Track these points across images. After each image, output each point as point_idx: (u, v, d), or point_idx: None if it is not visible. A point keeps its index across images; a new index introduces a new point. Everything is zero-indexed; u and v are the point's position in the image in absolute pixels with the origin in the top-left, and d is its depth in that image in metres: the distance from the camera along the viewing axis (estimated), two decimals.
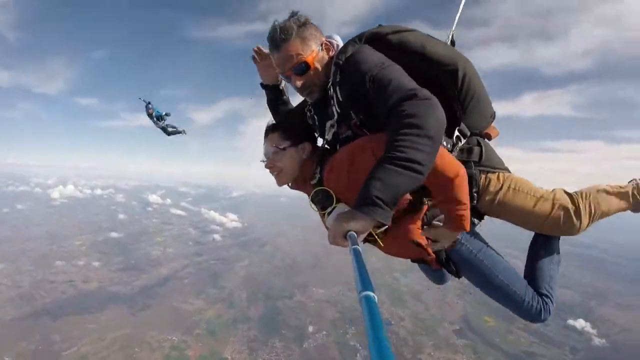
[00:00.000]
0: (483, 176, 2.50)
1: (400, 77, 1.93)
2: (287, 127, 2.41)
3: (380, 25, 2.30)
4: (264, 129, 2.46)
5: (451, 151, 2.25)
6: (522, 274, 2.79)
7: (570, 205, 2.53)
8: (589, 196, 2.60)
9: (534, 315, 2.62)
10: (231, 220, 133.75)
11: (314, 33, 2.24)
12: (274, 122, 2.57)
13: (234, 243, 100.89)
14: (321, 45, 2.27)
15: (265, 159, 2.36)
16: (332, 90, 2.16)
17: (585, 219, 2.53)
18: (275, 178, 2.37)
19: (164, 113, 15.54)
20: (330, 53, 2.30)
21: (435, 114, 1.68)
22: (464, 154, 2.41)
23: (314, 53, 2.21)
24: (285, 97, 2.91)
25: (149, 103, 15.12)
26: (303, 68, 2.21)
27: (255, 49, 2.67)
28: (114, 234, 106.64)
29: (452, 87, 2.25)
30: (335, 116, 2.19)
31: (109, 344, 52.26)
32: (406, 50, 2.21)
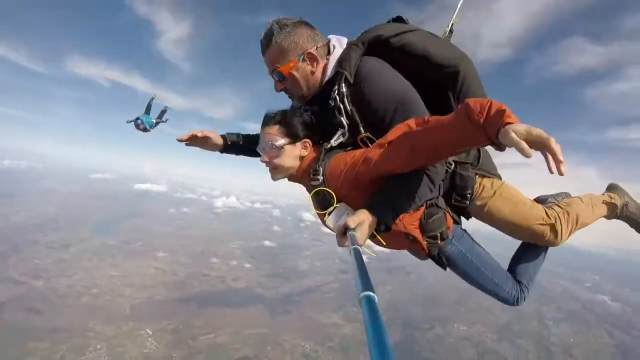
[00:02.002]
0: (478, 180, 2.76)
1: (420, 111, 2.22)
2: (289, 121, 2.41)
3: (380, 26, 2.44)
4: (263, 116, 2.53)
5: None
6: (506, 266, 3.16)
7: (551, 219, 2.85)
8: (569, 209, 2.94)
9: (511, 302, 3.06)
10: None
11: (297, 41, 2.35)
12: (275, 111, 2.51)
13: (380, 267, 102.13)
14: (302, 55, 2.36)
15: (261, 150, 2.46)
16: (337, 100, 2.29)
17: (564, 233, 2.88)
18: (270, 172, 2.46)
19: (155, 119, 15.06)
20: (315, 64, 2.41)
21: (443, 169, 2.20)
22: (462, 155, 2.64)
23: (291, 64, 2.36)
24: (241, 141, 3.07)
25: (137, 119, 14.41)
26: (280, 76, 2.42)
27: (178, 139, 2.88)
28: (267, 243, 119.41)
29: (452, 88, 2.40)
30: (346, 127, 2.33)
31: (244, 339, 56.73)
32: (408, 53, 2.35)
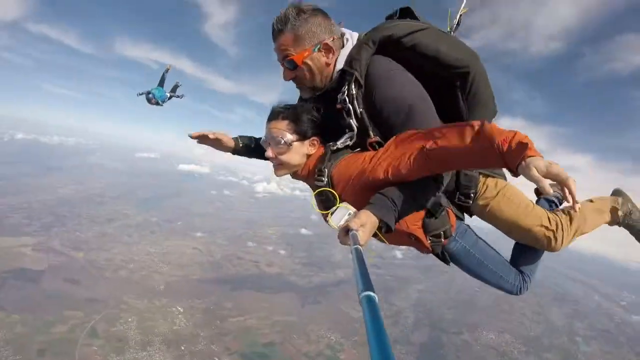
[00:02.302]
0: (482, 180, 2.78)
1: (430, 121, 2.21)
2: (298, 117, 2.39)
3: (391, 25, 2.35)
4: (271, 109, 2.50)
5: None
6: (508, 255, 3.21)
7: (551, 225, 2.82)
8: (570, 216, 2.91)
9: (514, 292, 3.09)
10: None
11: (313, 30, 2.27)
12: (284, 105, 2.50)
13: (414, 264, 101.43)
14: (319, 45, 2.30)
15: (266, 144, 2.42)
16: (347, 101, 2.26)
17: (565, 240, 2.86)
18: (274, 168, 2.46)
19: (169, 92, 13.95)
20: (330, 55, 2.35)
21: (449, 176, 2.21)
22: None
23: (305, 53, 2.28)
24: (253, 144, 3.04)
25: (149, 92, 13.37)
26: (291, 64, 2.32)
27: (189, 135, 2.88)
28: (304, 231, 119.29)
29: (461, 88, 2.42)
30: (355, 130, 2.32)
31: (273, 324, 57.76)
32: (419, 53, 2.31)
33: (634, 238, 3.34)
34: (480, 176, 2.76)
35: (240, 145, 3.01)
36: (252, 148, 3.05)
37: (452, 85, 2.43)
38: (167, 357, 45.54)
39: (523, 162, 1.53)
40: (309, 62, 2.30)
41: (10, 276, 53.55)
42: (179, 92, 14.50)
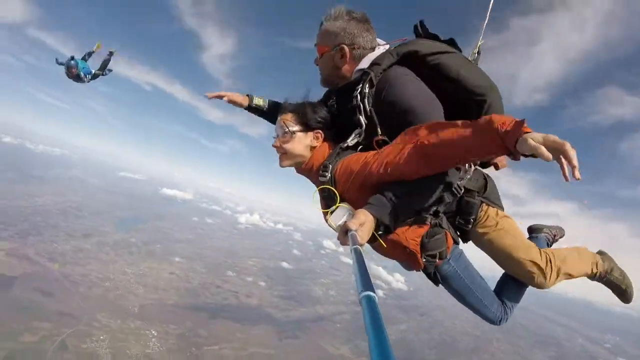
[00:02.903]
0: (484, 208, 2.88)
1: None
2: (303, 110, 2.56)
3: (418, 41, 2.51)
4: (281, 105, 2.76)
5: (461, 178, 2.53)
6: (493, 287, 3.33)
7: (541, 265, 2.93)
8: (560, 259, 3.03)
9: (495, 321, 3.22)
10: (397, 280, 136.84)
11: (338, 32, 2.53)
12: (291, 103, 2.68)
13: (395, 304, 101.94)
14: (337, 47, 2.54)
15: (274, 136, 2.60)
16: (358, 99, 2.39)
17: (551, 281, 2.98)
18: (279, 158, 2.57)
19: (97, 70, 11.43)
20: (343, 60, 2.56)
21: (453, 178, 2.18)
22: (471, 182, 2.74)
23: (325, 48, 2.58)
24: (266, 107, 3.40)
25: (72, 59, 10.81)
26: (316, 52, 2.68)
27: (205, 95, 3.38)
28: (285, 264, 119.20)
29: (475, 115, 2.43)
30: (364, 127, 2.44)
31: (248, 356, 56.74)
32: (440, 74, 2.41)
33: (612, 293, 3.50)
34: (482, 204, 2.88)
35: (253, 105, 3.37)
36: (263, 110, 3.40)
37: (467, 109, 2.50)
38: None
39: (521, 138, 1.58)
40: (326, 58, 2.61)
41: None
42: (109, 67, 11.90)
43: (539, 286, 3.04)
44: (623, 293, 3.43)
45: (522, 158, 1.68)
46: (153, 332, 55.33)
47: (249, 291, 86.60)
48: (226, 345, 57.88)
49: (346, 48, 2.51)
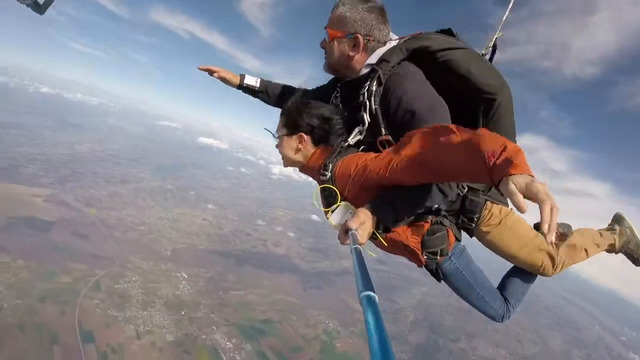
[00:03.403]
0: (488, 206, 2.81)
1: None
2: (291, 113, 2.48)
3: (429, 36, 2.41)
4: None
5: None
6: (497, 283, 3.28)
7: (549, 254, 2.94)
8: (570, 243, 3.04)
9: (496, 318, 3.17)
10: None
11: (355, 20, 2.39)
12: (290, 104, 2.58)
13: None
14: (351, 35, 2.41)
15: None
16: (365, 96, 2.34)
17: (559, 267, 2.98)
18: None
19: None
20: (355, 50, 2.45)
21: (455, 187, 2.20)
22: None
23: (338, 34, 2.44)
24: (260, 89, 3.37)
25: None
26: (325, 36, 2.52)
27: (199, 68, 3.37)
28: (314, 217, 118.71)
29: (484, 113, 2.45)
30: (366, 125, 2.39)
31: (273, 302, 58.46)
32: (450, 70, 2.34)
33: (631, 263, 3.47)
34: (487, 202, 2.79)
35: (244, 84, 3.33)
36: (255, 90, 3.36)
37: (476, 107, 2.44)
38: (166, 319, 45.96)
39: (504, 178, 1.45)
40: (336, 44, 2.45)
41: (20, 223, 54.22)
42: None
43: (546, 275, 3.02)
44: (635, 261, 3.43)
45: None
46: (184, 274, 57.91)
47: (277, 240, 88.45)
48: (252, 291, 59.86)
49: (361, 38, 2.39)
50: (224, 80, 3.33)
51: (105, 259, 53.85)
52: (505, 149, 1.51)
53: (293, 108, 2.48)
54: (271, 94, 3.39)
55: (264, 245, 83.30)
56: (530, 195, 1.35)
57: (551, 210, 1.28)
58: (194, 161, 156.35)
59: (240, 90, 3.41)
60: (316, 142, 2.45)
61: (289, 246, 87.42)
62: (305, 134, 2.42)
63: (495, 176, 1.50)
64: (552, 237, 1.27)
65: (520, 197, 1.34)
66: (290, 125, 2.45)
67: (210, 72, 3.32)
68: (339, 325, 56.75)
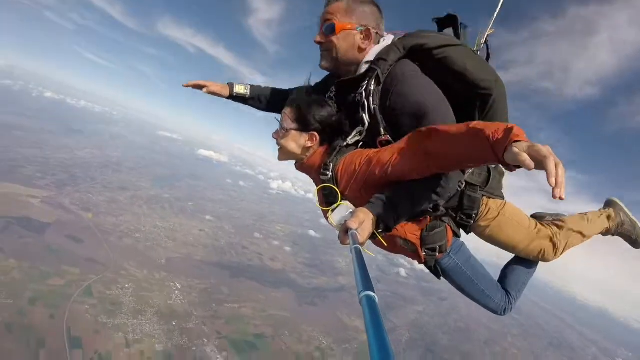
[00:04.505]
0: (485, 201, 2.81)
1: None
2: (304, 108, 2.41)
3: (426, 34, 2.39)
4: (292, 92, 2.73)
5: (463, 171, 2.42)
6: (497, 276, 3.27)
7: (548, 241, 2.99)
8: (566, 227, 3.07)
9: (498, 311, 3.14)
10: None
11: (365, 11, 2.39)
12: (298, 95, 2.54)
13: (416, 285, 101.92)
14: (362, 27, 2.37)
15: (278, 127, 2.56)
16: (363, 95, 2.30)
17: (559, 252, 3.03)
18: (278, 151, 2.55)
19: None
20: (366, 42, 2.40)
21: (456, 180, 2.18)
22: (474, 176, 2.67)
23: (348, 26, 2.35)
24: (251, 96, 3.29)
25: None
26: (329, 29, 2.38)
27: (183, 85, 3.18)
28: (312, 233, 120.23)
29: (480, 109, 2.43)
30: (366, 125, 2.35)
31: (267, 317, 57.52)
32: (446, 67, 2.32)
33: (628, 244, 3.48)
34: (484, 197, 2.78)
35: (234, 93, 3.24)
36: (246, 98, 3.27)
37: (471, 104, 2.41)
38: (156, 329, 45.04)
39: (508, 147, 1.48)
40: (345, 35, 2.35)
41: (15, 222, 53.56)
42: None
43: (547, 260, 3.05)
44: (634, 242, 3.43)
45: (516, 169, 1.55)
46: (177, 284, 57.02)
47: (273, 255, 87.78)
48: (246, 305, 59.10)
49: (372, 31, 2.38)
50: (213, 93, 3.22)
51: (99, 264, 52.97)
52: (503, 127, 1.55)
53: (305, 103, 2.41)
54: (263, 99, 3.32)
55: (260, 258, 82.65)
56: (533, 153, 1.36)
57: (556, 165, 1.27)
58: (193, 172, 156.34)
59: (231, 100, 3.34)
60: (321, 142, 2.44)
61: (285, 261, 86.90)
62: (318, 133, 2.39)
63: (498, 149, 1.52)
64: (562, 192, 1.23)
65: (525, 155, 1.35)
66: (302, 122, 2.39)
67: (199, 88, 3.21)
68: (333, 342, 56.10)
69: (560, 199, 1.19)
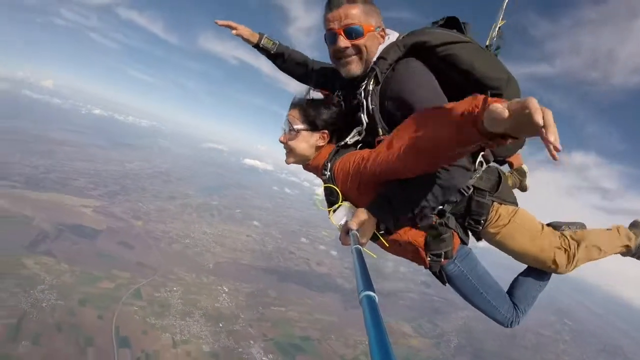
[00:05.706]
0: (495, 207, 2.68)
1: None
2: (311, 108, 2.41)
3: (429, 31, 2.31)
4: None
5: (471, 177, 2.39)
6: (506, 287, 3.14)
7: (562, 252, 2.82)
8: (583, 241, 2.85)
9: (505, 323, 3.05)
10: None
11: (376, 13, 2.37)
12: (303, 96, 2.52)
13: None
14: (380, 28, 2.36)
15: (282, 130, 2.51)
16: (362, 96, 2.27)
17: (573, 264, 2.83)
18: (285, 154, 2.50)
19: None
20: (382, 41, 2.37)
21: (459, 180, 2.07)
22: (482, 181, 2.55)
23: (371, 27, 2.30)
24: (276, 52, 3.19)
25: None
26: (357, 32, 2.27)
27: (216, 22, 3.16)
28: None
29: None
30: (365, 125, 2.31)
31: (313, 321, 57.22)
32: (452, 65, 2.23)
33: None
34: (494, 204, 2.66)
35: (261, 44, 3.15)
36: (270, 52, 3.17)
37: None
38: (204, 330, 45.41)
39: (485, 112, 1.30)
40: (371, 37, 2.30)
41: (68, 229, 55.79)
42: None
43: (559, 272, 2.87)
44: None
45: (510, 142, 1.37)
46: (225, 288, 57.50)
47: (320, 259, 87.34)
48: (293, 308, 58.94)
49: (384, 30, 2.37)
50: (242, 37, 3.13)
51: (148, 268, 54.39)
52: (477, 97, 1.42)
53: (311, 104, 2.41)
54: (288, 60, 3.19)
55: (306, 263, 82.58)
56: (514, 107, 1.16)
57: (543, 112, 1.05)
58: (239, 181, 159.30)
59: (256, 49, 3.23)
60: (330, 141, 2.42)
61: (331, 265, 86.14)
62: (329, 131, 2.38)
63: (478, 119, 1.34)
64: (554, 139, 1.02)
65: (506, 110, 1.17)
66: (311, 122, 2.36)
67: (230, 28, 3.11)
68: None
69: (555, 149, 1.00)
